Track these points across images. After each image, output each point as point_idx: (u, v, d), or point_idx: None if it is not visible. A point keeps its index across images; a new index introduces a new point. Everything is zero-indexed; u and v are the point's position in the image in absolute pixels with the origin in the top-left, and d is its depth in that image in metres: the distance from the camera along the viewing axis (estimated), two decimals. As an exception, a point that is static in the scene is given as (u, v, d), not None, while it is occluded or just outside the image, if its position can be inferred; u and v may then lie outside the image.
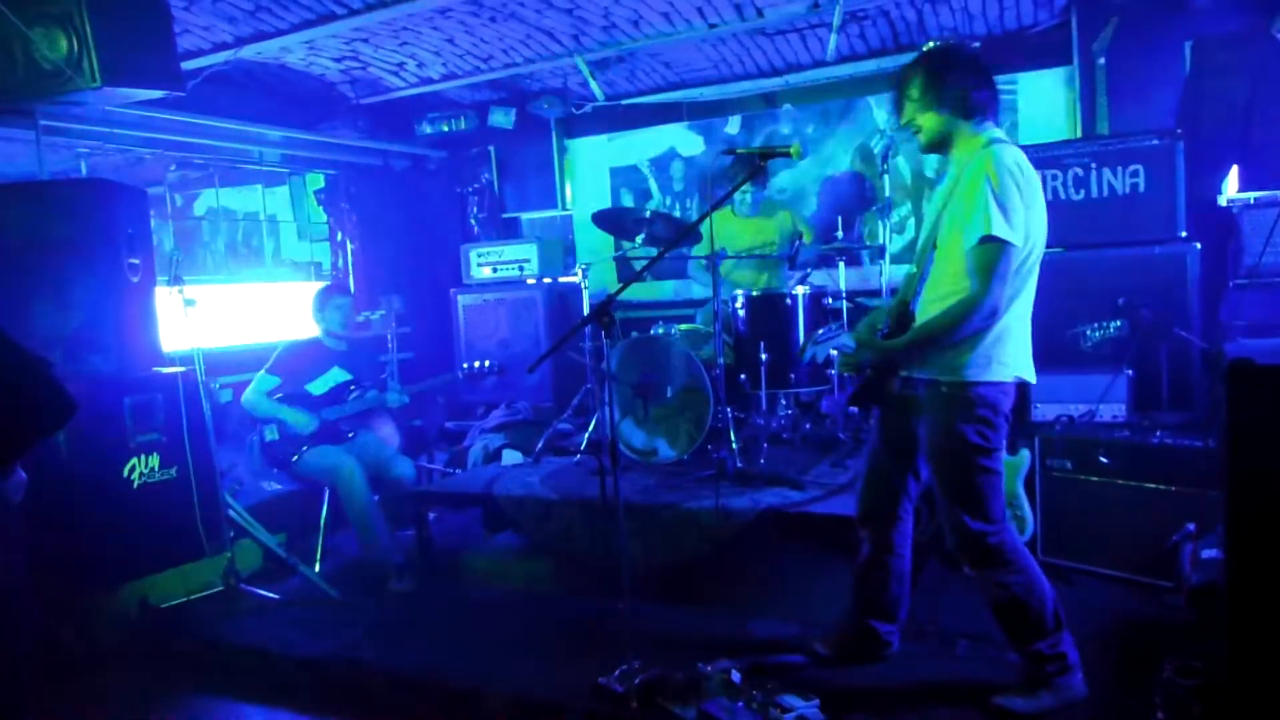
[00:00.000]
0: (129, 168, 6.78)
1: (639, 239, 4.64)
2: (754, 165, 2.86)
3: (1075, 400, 4.20)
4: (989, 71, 2.66)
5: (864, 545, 3.05)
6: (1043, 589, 2.70)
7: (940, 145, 2.70)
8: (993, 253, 2.44)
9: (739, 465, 4.06)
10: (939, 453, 2.71)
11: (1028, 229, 2.52)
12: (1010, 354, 2.61)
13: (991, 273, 2.44)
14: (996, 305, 2.48)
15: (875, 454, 2.98)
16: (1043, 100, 5.55)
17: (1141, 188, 4.43)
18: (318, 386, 4.67)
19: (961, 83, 2.59)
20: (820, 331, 2.70)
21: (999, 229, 2.43)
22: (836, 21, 5.14)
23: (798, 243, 4.71)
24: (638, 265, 6.69)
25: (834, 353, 2.76)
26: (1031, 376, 2.69)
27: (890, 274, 5.05)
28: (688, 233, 3.31)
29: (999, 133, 2.66)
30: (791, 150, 2.74)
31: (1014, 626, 2.74)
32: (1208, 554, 2.82)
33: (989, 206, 2.44)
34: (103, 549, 3.89)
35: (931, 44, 2.78)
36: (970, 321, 2.49)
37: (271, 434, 4.57)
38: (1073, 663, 2.72)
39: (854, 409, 3.07)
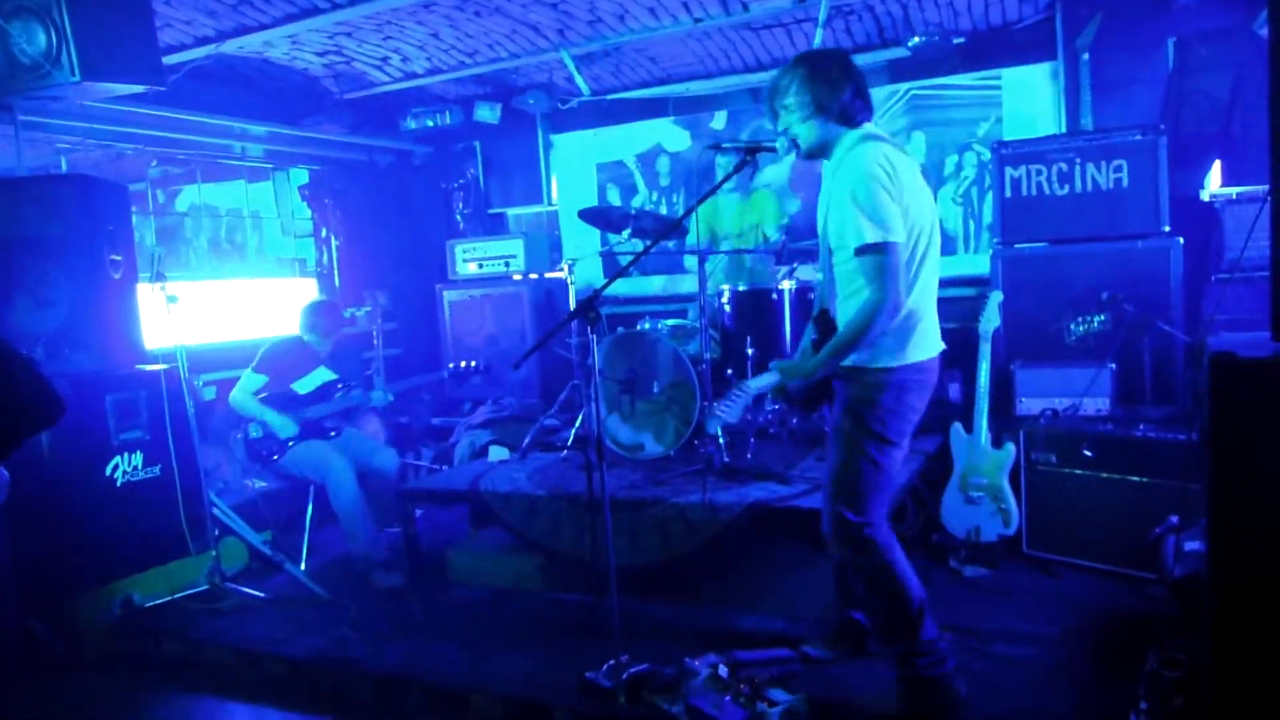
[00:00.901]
0: (110, 163, 6.73)
1: (625, 234, 4.63)
2: (741, 160, 2.86)
3: (1059, 394, 4.23)
4: (860, 74, 2.68)
5: None
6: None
7: (819, 152, 2.72)
8: (877, 258, 2.48)
9: (725, 460, 4.06)
10: (838, 433, 2.73)
11: (909, 220, 2.54)
12: (922, 333, 2.65)
13: (882, 274, 2.48)
14: (897, 301, 2.50)
15: None
16: (1027, 95, 5.57)
17: (1125, 183, 4.46)
18: (303, 385, 4.67)
19: (834, 90, 2.61)
20: (718, 404, 2.71)
21: (872, 236, 2.47)
22: (822, 16, 5.14)
23: (783, 237, 4.72)
24: (624, 260, 6.68)
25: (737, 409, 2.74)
26: (941, 346, 2.74)
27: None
28: (674, 226, 3.30)
29: (870, 128, 2.67)
30: (777, 145, 2.75)
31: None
32: (1190, 546, 2.84)
33: (857, 219, 2.49)
34: (86, 548, 3.87)
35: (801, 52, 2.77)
36: (877, 323, 2.50)
37: (256, 431, 4.56)
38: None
39: (812, 414, 3.07)
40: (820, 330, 2.76)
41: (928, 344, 2.68)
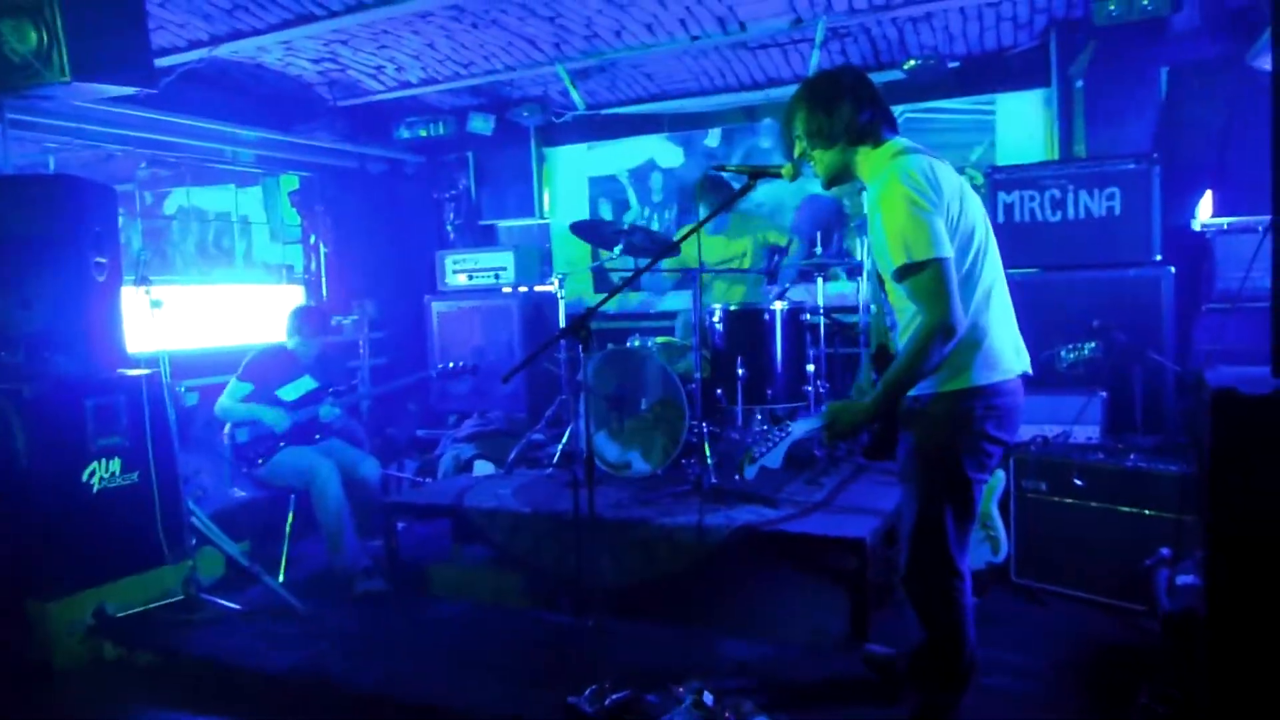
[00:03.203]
0: (98, 164, 6.66)
1: (617, 250, 4.60)
2: (745, 184, 2.81)
3: (1049, 421, 4.21)
4: (873, 88, 2.53)
5: None
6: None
7: (840, 178, 2.58)
8: (920, 278, 2.27)
9: (714, 481, 4.02)
10: (912, 481, 2.51)
11: (959, 229, 2.36)
12: (990, 351, 2.40)
13: (931, 294, 2.26)
14: (952, 322, 2.24)
15: None
16: (1021, 121, 5.59)
17: (1117, 211, 4.47)
18: (288, 393, 4.60)
19: (836, 114, 2.47)
20: (756, 448, 2.50)
21: (913, 254, 2.26)
22: (819, 38, 5.14)
23: (778, 256, 4.70)
24: (615, 276, 6.65)
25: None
26: (1025, 366, 2.50)
27: (868, 291, 5.04)
28: (672, 248, 3.25)
29: (900, 144, 2.48)
30: (784, 171, 2.68)
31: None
32: (1184, 580, 2.82)
33: (895, 239, 2.29)
34: (59, 554, 3.79)
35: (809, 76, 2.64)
36: (933, 348, 2.25)
37: (243, 435, 4.50)
38: None
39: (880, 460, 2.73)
40: (880, 368, 2.56)
41: (1002, 364, 2.41)
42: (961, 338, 2.29)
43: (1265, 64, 4.57)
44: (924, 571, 2.49)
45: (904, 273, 2.29)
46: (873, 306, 2.60)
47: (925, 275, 2.25)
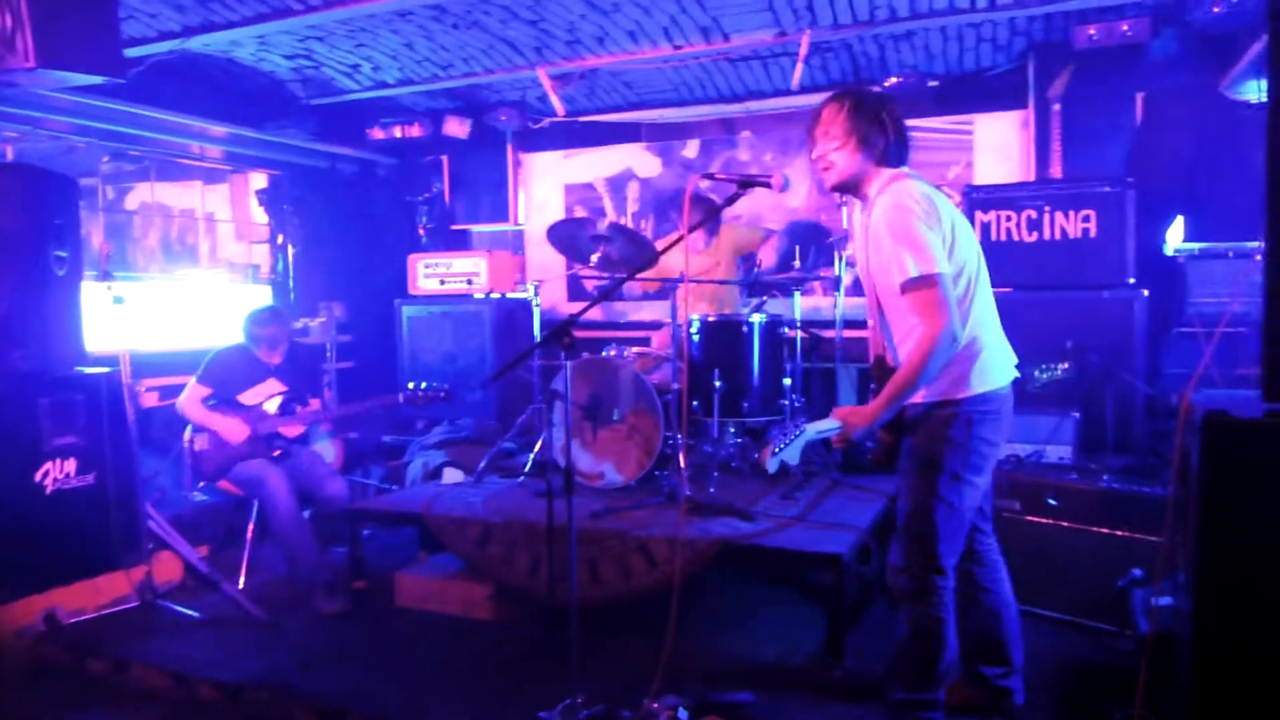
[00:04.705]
0: (60, 155, 6.50)
1: (593, 259, 4.54)
2: (734, 194, 2.78)
3: (1022, 440, 4.21)
4: (902, 121, 2.64)
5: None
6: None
7: (848, 187, 2.67)
8: (925, 291, 2.43)
9: (688, 494, 3.97)
10: (908, 476, 2.64)
11: (955, 252, 2.51)
12: (986, 362, 2.56)
13: (933, 306, 2.42)
14: (953, 332, 2.43)
15: None
16: (998, 142, 5.63)
17: (1093, 233, 4.50)
18: (251, 398, 4.44)
19: (879, 129, 2.57)
20: (776, 444, 2.58)
21: (916, 269, 2.42)
22: (803, 52, 5.14)
23: (756, 269, 4.67)
24: (589, 284, 6.60)
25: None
26: (1014, 374, 2.66)
27: (844, 307, 5.04)
28: (654, 260, 3.24)
29: (905, 170, 2.63)
30: (772, 181, 2.67)
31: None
32: (1161, 602, 2.81)
33: (898, 255, 2.45)
34: (7, 557, 3.65)
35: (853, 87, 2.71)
36: (935, 357, 2.43)
37: (202, 443, 4.35)
38: None
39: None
40: (879, 378, 2.67)
41: (994, 373, 2.58)
42: (962, 348, 2.49)
43: (1239, 93, 4.65)
44: (911, 566, 2.60)
45: (908, 286, 2.45)
46: (869, 321, 2.66)
47: (927, 289, 2.42)
